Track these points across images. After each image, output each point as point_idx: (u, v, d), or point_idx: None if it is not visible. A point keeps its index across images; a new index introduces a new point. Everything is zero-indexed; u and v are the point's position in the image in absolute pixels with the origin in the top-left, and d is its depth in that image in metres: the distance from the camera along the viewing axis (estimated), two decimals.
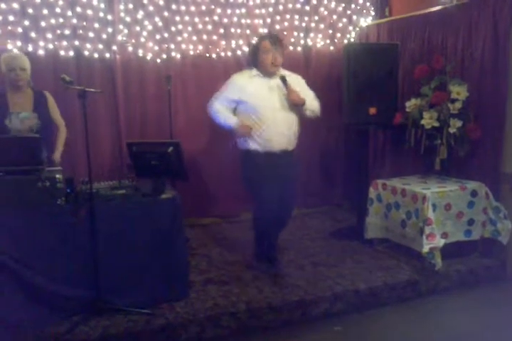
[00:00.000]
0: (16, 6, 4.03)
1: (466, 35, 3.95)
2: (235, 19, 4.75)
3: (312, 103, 3.62)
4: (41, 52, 4.16)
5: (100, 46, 4.36)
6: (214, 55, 4.76)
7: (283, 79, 3.44)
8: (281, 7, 4.90)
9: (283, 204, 3.58)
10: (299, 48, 5.07)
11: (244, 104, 3.48)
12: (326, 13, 5.08)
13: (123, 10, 4.37)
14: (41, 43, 4.15)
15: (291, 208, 3.84)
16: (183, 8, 4.56)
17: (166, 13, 4.52)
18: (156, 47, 4.54)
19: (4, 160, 2.94)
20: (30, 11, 4.07)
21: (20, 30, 4.07)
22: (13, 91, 3.55)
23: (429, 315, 3.30)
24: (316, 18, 5.05)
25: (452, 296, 3.54)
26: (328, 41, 5.15)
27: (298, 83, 3.62)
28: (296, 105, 3.50)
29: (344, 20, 5.16)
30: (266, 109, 3.45)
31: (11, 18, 4.03)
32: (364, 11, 5.23)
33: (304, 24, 5.02)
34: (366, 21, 5.23)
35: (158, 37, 4.52)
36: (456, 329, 3.08)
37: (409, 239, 3.75)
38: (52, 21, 4.15)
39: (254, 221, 3.72)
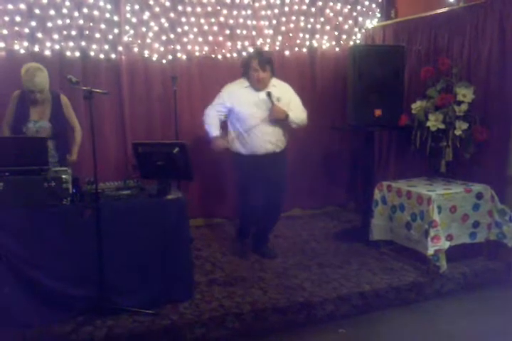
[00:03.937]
0: (23, 6, 4.05)
1: (472, 37, 3.94)
2: (241, 20, 4.76)
3: (298, 116, 3.79)
4: (47, 52, 4.18)
5: (106, 47, 4.37)
6: (220, 56, 4.78)
7: (268, 94, 3.65)
8: (286, 8, 4.90)
9: (270, 200, 3.88)
10: (305, 50, 5.07)
11: (235, 113, 3.75)
12: (331, 14, 5.09)
13: (129, 11, 4.39)
14: (48, 44, 4.17)
15: (278, 203, 4.01)
16: (189, 9, 4.57)
17: (172, 14, 4.53)
18: (162, 48, 4.55)
19: (10, 160, 2.96)
20: (37, 11, 4.09)
21: (27, 30, 4.09)
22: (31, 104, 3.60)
23: (434, 317, 3.29)
24: (322, 19, 5.06)
25: (457, 299, 3.53)
26: (333, 43, 5.15)
27: (285, 94, 3.78)
28: (278, 120, 3.71)
29: (350, 21, 5.17)
30: (252, 119, 3.70)
31: (18, 18, 4.05)
32: (370, 13, 5.23)
33: (309, 26, 5.02)
34: (372, 23, 5.23)
35: (164, 38, 4.54)
36: (460, 333, 3.07)
37: (414, 241, 3.74)
38: (59, 22, 4.17)
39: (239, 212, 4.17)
